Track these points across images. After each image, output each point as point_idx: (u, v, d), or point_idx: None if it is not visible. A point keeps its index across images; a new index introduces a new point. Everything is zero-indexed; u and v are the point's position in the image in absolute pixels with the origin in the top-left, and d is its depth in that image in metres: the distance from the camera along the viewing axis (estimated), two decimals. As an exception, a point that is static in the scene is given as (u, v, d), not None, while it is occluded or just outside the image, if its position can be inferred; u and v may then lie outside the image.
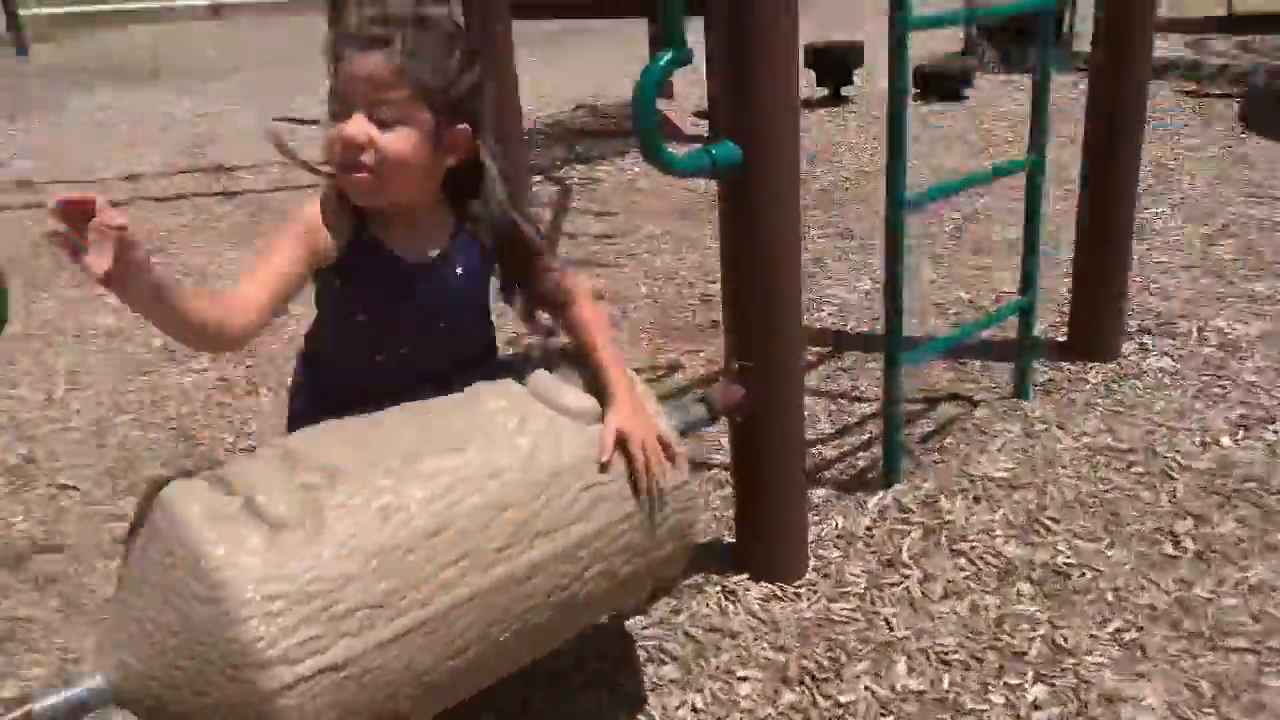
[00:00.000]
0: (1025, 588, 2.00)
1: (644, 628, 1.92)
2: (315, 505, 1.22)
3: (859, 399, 2.76)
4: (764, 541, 2.02)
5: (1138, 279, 3.28)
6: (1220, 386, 2.68)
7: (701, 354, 3.11)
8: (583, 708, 1.74)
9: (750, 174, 1.76)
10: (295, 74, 7.82)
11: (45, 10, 13.08)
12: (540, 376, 1.51)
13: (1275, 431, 2.47)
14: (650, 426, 1.49)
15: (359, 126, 1.34)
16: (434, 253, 1.48)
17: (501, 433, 1.39)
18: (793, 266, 1.86)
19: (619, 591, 1.49)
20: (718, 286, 3.32)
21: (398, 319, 1.47)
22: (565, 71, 8.04)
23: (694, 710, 1.74)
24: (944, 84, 6.29)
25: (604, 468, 1.41)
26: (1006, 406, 2.64)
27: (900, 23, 1.97)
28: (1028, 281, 2.55)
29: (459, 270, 1.50)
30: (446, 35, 1.40)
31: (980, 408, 2.64)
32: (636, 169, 5.17)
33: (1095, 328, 2.84)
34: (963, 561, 2.08)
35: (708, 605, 1.97)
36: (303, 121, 6.38)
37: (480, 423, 1.40)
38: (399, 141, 1.35)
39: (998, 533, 2.15)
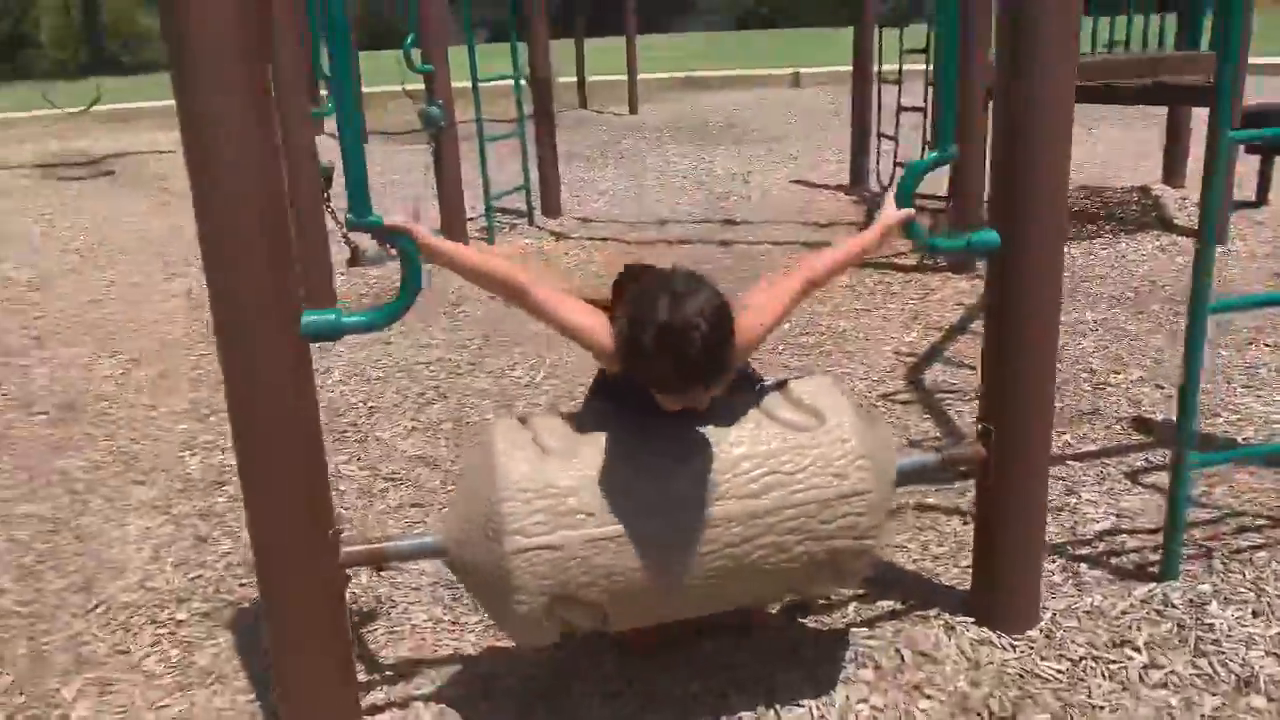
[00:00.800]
0: (1258, 701, 1.95)
1: (865, 637, 2.23)
2: (573, 446, 1.84)
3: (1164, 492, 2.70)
4: (991, 591, 2.21)
5: None
6: None
7: (1069, 434, 3.20)
8: (780, 680, 2.11)
9: (1010, 255, 2.02)
10: (834, 139, 8.68)
11: (654, 75, 15.81)
12: (770, 397, 1.97)
13: None
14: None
15: (694, 402, 1.78)
16: None
17: (721, 431, 1.88)
18: (1047, 342, 2.06)
19: (795, 568, 1.85)
20: (1118, 377, 3.39)
21: None
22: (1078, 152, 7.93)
23: (874, 709, 2.03)
24: None
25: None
26: (1357, 537, 2.41)
27: None
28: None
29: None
30: (727, 336, 1.71)
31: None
32: (1095, 256, 5.11)
33: None
34: (1203, 662, 2.06)
35: (926, 634, 2.22)
36: (815, 185, 7.20)
37: (712, 424, 1.90)
38: (718, 391, 1.80)
39: (1259, 647, 2.08)
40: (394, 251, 1.80)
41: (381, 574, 2.57)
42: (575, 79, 13.66)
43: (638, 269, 1.95)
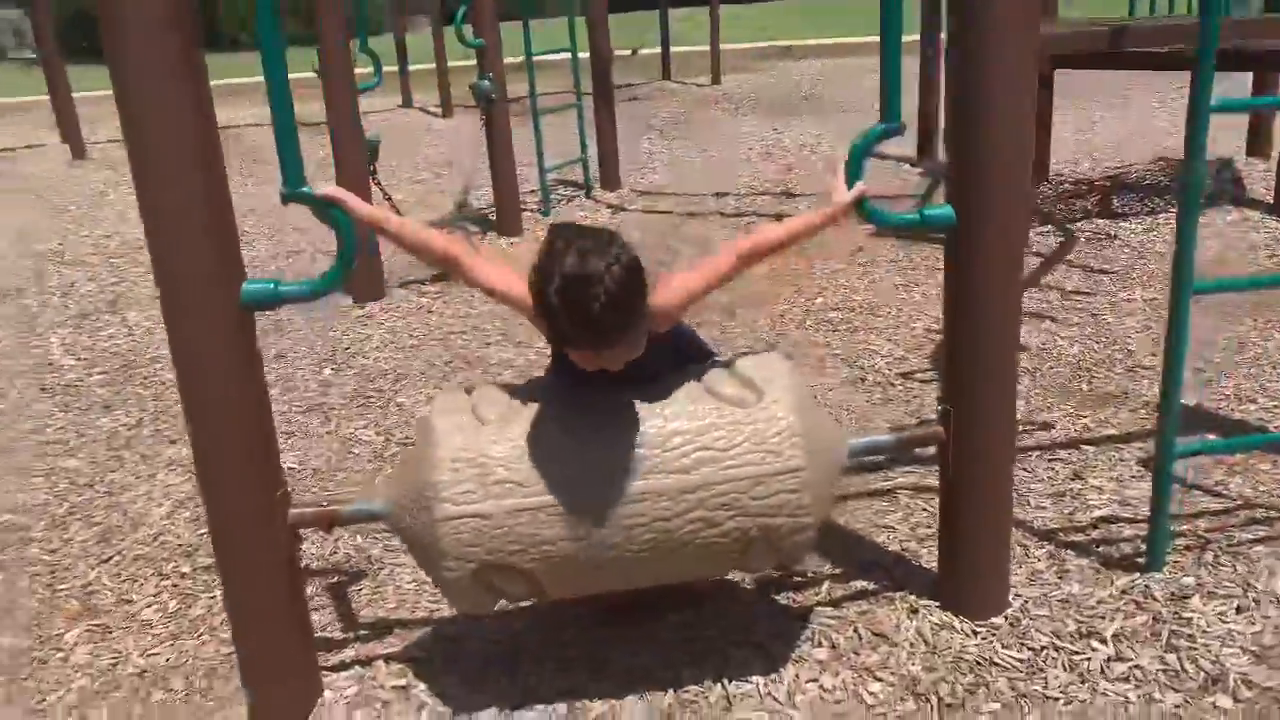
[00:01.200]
0: (1224, 701, 1.86)
1: (829, 616, 2.21)
2: (509, 417, 1.87)
3: (1190, 487, 2.57)
4: (955, 576, 2.16)
5: None
6: None
7: (1089, 418, 3.09)
8: (734, 655, 2.11)
9: (967, 233, 1.96)
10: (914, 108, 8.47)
11: (741, 45, 15.61)
12: (713, 372, 1.96)
13: None
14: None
15: (607, 361, 1.76)
16: None
17: (657, 405, 1.88)
18: (1007, 321, 1.99)
19: (726, 543, 1.85)
20: (1154, 360, 3.25)
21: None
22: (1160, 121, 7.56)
23: (821, 689, 2.01)
24: None
25: None
26: (1368, 534, 2.27)
27: None
28: None
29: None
30: (634, 293, 1.69)
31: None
32: (1158, 232, 4.88)
33: None
34: (1172, 658, 1.98)
35: (889, 615, 2.19)
36: (883, 156, 7.03)
37: (649, 397, 1.90)
38: (628, 350, 1.78)
39: (1235, 644, 1.98)
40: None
41: (352, 536, 2.66)
42: (659, 50, 13.60)
43: (567, 226, 1.94)
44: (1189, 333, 2.09)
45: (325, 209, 1.79)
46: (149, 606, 2.46)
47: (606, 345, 1.73)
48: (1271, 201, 5.11)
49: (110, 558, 2.68)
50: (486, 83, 5.35)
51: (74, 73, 9.65)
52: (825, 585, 2.33)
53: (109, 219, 6.73)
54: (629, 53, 12.80)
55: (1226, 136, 6.58)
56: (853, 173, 1.95)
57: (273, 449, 1.90)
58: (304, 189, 1.74)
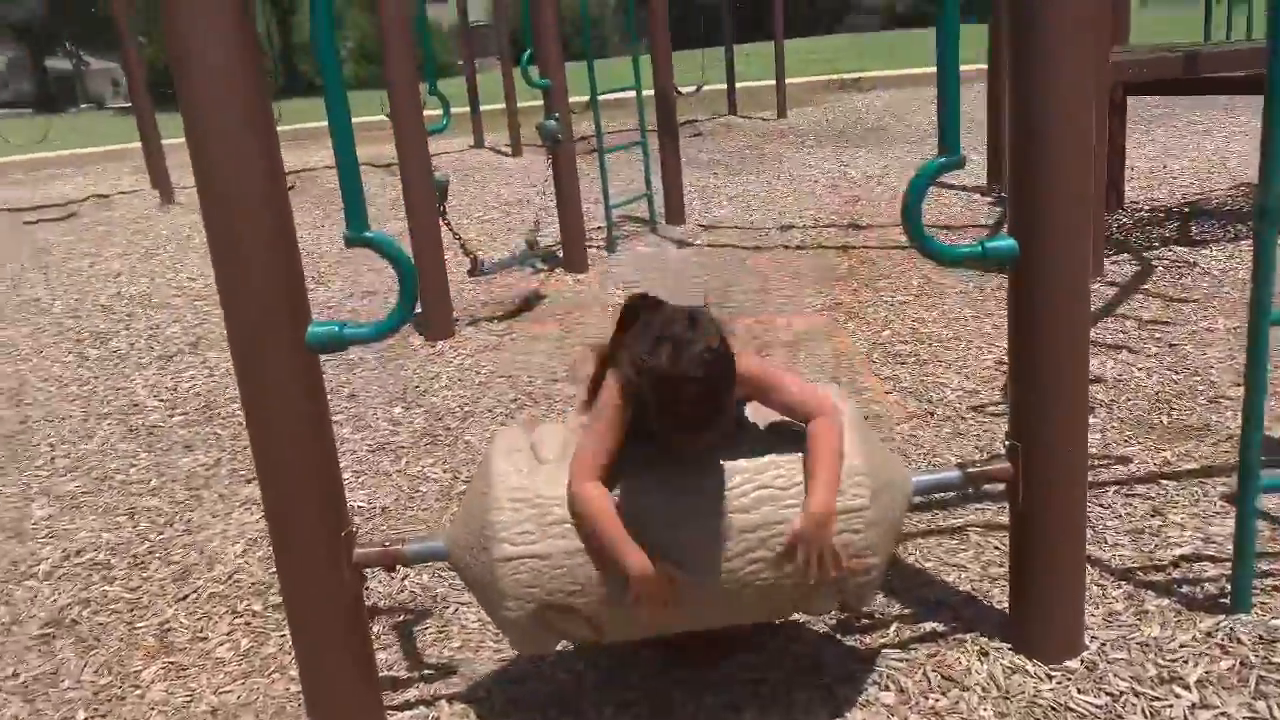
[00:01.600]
0: (1317, 755, 1.76)
1: (896, 658, 2.16)
2: (567, 456, 1.88)
3: (1277, 521, 2.46)
4: (1028, 617, 2.10)
5: None
6: None
7: (1169, 451, 2.98)
8: (799, 698, 2.07)
9: (1030, 264, 1.92)
10: (979, 138, 8.37)
11: (805, 79, 15.62)
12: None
13: None
14: (826, 538, 1.76)
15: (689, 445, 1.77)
16: None
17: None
18: (1077, 356, 1.94)
19: (790, 585, 1.83)
20: (1237, 391, 3.13)
21: None
22: (1240, 146, 7.33)
23: (889, 734, 1.97)
24: None
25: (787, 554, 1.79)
26: None
27: None
28: None
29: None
30: (727, 387, 1.72)
31: None
32: (1240, 259, 4.71)
33: None
34: (1261, 705, 1.88)
35: (959, 658, 2.13)
36: (951, 186, 6.95)
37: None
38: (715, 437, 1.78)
39: (1329, 694, 1.88)
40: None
41: (419, 574, 2.68)
42: (725, 85, 13.69)
43: (647, 302, 1.95)
44: (1268, 362, 2.01)
45: (385, 251, 1.83)
46: (222, 644, 2.52)
47: (701, 433, 1.74)
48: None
49: (187, 595, 2.75)
50: (553, 123, 5.44)
51: (164, 121, 10.08)
52: (894, 626, 2.28)
53: (194, 263, 6.98)
54: (694, 89, 12.90)
55: None
56: (913, 205, 1.93)
57: (338, 489, 1.93)
58: (367, 233, 1.79)
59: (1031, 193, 1.87)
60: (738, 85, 13.67)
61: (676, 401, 1.68)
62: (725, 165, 9.25)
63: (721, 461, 1.83)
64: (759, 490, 1.81)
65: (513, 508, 1.81)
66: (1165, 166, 7.10)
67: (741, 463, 1.83)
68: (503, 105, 11.39)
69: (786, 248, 6.03)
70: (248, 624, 2.59)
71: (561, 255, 5.79)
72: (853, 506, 1.80)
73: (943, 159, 1.90)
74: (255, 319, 1.77)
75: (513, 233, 6.98)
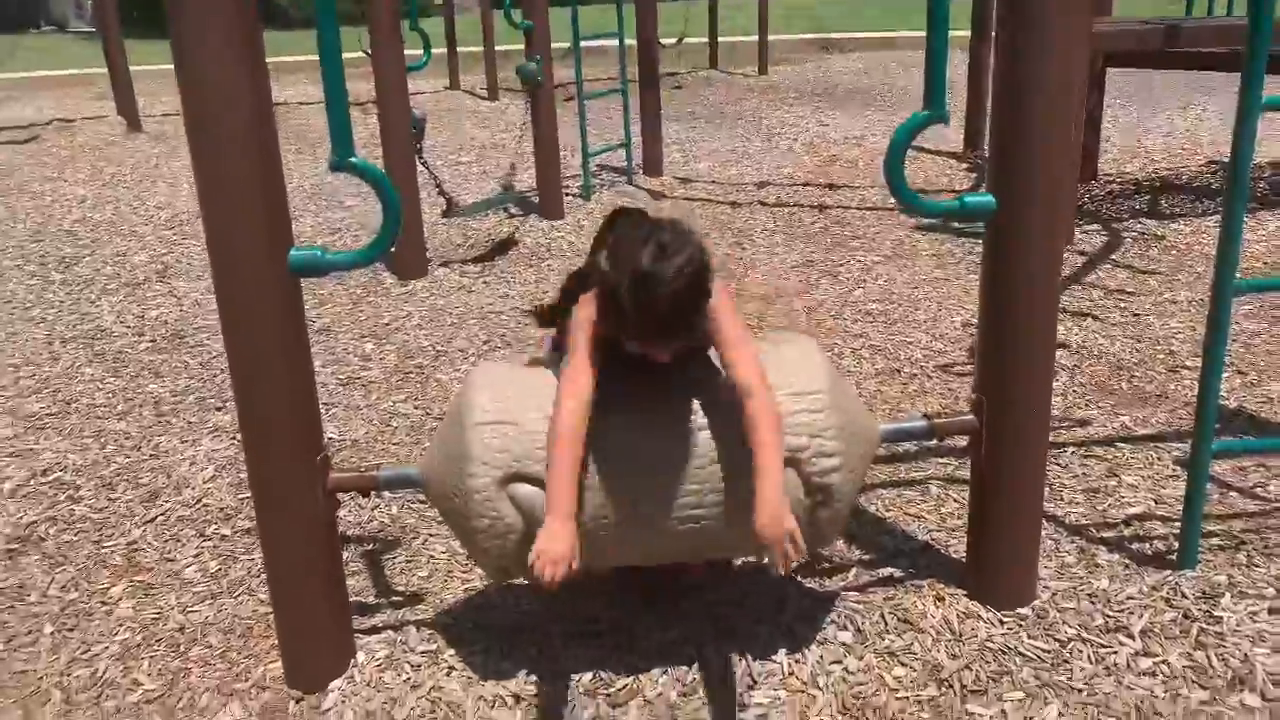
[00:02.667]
0: (1251, 699, 1.85)
1: (855, 601, 2.23)
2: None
3: (1228, 487, 2.55)
4: (984, 566, 2.17)
5: None
6: None
7: (1127, 416, 3.07)
8: (760, 633, 2.13)
9: (1007, 221, 1.95)
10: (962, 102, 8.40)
11: (789, 36, 15.52)
12: None
13: None
14: (781, 532, 1.68)
15: (661, 353, 1.80)
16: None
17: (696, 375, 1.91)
18: (1045, 314, 1.99)
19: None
20: (1196, 361, 3.22)
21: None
22: (1214, 122, 7.43)
23: (846, 671, 2.03)
24: None
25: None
26: None
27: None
28: None
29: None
30: (702, 295, 1.73)
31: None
32: (1207, 234, 4.81)
33: None
34: (1200, 655, 1.97)
35: (915, 602, 2.19)
36: (929, 150, 6.97)
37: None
38: (684, 346, 1.84)
39: (1266, 644, 1.97)
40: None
41: (388, 506, 2.71)
42: (707, 39, 13.57)
43: (633, 212, 1.97)
44: (1228, 332, 2.07)
45: (370, 177, 1.82)
46: (190, 566, 2.53)
47: (669, 341, 1.76)
48: (1326, 206, 5.02)
49: (154, 518, 2.76)
50: (533, 65, 5.38)
51: (131, 47, 9.83)
52: (853, 571, 2.35)
53: (161, 191, 6.86)
54: (675, 41, 12.77)
55: (1281, 139, 6.46)
56: (895, 158, 1.95)
57: (315, 414, 1.95)
58: (352, 158, 1.78)
59: (1012, 150, 1.90)
60: (720, 40, 13.55)
61: (654, 301, 1.67)
62: (704, 119, 9.20)
63: (681, 400, 1.86)
64: (722, 374, 1.85)
65: (490, 390, 1.87)
66: (1140, 141, 7.17)
67: (698, 402, 1.86)
68: (480, 48, 11.22)
69: (762, 204, 6.03)
70: (215, 547, 2.61)
71: (537, 201, 5.76)
72: (812, 389, 1.85)
73: (927, 113, 1.92)
74: (238, 240, 1.76)
75: (487, 176, 6.93)
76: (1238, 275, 2.05)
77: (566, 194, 5.96)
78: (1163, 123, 7.90)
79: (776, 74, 12.42)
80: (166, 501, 2.84)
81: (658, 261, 1.69)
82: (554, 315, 2.07)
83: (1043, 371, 2.03)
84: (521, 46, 5.54)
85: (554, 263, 4.92)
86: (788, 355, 1.96)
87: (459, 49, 11.87)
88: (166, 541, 2.64)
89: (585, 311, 1.83)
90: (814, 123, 8.76)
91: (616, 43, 6.44)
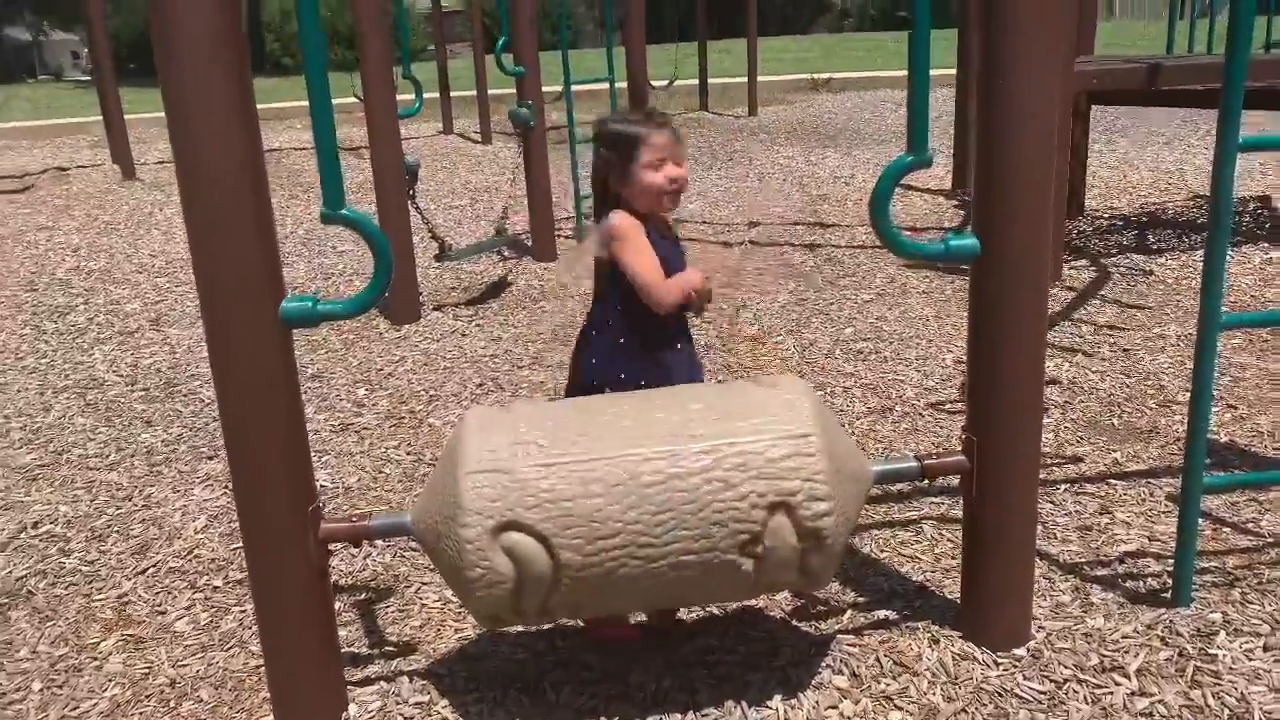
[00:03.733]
0: (1247, 742, 1.84)
1: (849, 644, 2.21)
2: (546, 412, 1.93)
3: (1222, 523, 2.55)
4: (978, 606, 2.16)
5: None
6: None
7: (1119, 452, 3.07)
8: (754, 679, 2.12)
9: (991, 263, 1.97)
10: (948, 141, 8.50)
11: (778, 77, 15.71)
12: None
13: None
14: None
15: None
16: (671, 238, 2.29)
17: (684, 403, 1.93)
18: (1032, 353, 2.00)
19: (745, 513, 1.82)
20: (1186, 396, 3.23)
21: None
22: (1199, 158, 7.51)
23: (842, 716, 2.00)
24: None
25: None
26: (1401, 575, 2.24)
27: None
28: None
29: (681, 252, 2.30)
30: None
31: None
32: (1194, 268, 4.84)
33: None
34: (1196, 694, 1.96)
35: (910, 644, 2.18)
36: (917, 189, 7.03)
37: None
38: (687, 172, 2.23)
39: (1262, 683, 1.96)
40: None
41: (381, 554, 2.70)
42: (697, 81, 13.73)
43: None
44: (1215, 367, 2.09)
45: (362, 229, 1.84)
46: (181, 618, 2.51)
47: (674, 133, 2.17)
48: (1311, 239, 5.07)
49: (145, 569, 2.74)
50: (525, 110, 5.44)
51: (126, 95, 9.92)
52: (848, 613, 2.34)
53: (155, 239, 6.90)
54: (666, 83, 12.93)
55: (1268, 174, 6.54)
56: (881, 200, 1.98)
57: (306, 464, 1.94)
58: (344, 210, 1.80)
59: (995, 192, 1.92)
60: (710, 81, 13.72)
61: (644, 114, 2.19)
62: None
63: (673, 446, 1.86)
64: (718, 420, 1.86)
65: (483, 437, 1.86)
66: (1126, 176, 7.25)
67: (702, 393, 1.88)
68: (473, 91, 11.34)
69: (755, 244, 6.08)
70: (207, 599, 2.59)
71: (530, 243, 5.80)
72: (803, 432, 1.85)
73: (911, 157, 1.94)
74: (230, 290, 1.77)
75: (481, 219, 6.98)
76: (1225, 310, 2.07)
77: (560, 236, 6.00)
78: (1150, 157, 8.00)
79: (766, 115, 12.57)
80: (158, 553, 2.82)
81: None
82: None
83: (1032, 411, 2.04)
84: (514, 91, 5.60)
85: (547, 305, 4.94)
86: (778, 398, 1.97)
87: (452, 94, 12.01)
88: (158, 594, 2.63)
89: (624, 222, 2.15)
90: (803, 162, 8.86)
91: (608, 85, 6.52)
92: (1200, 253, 5.05)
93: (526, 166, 5.61)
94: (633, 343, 2.21)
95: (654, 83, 13.21)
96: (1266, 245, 5.16)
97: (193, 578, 2.69)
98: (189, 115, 1.70)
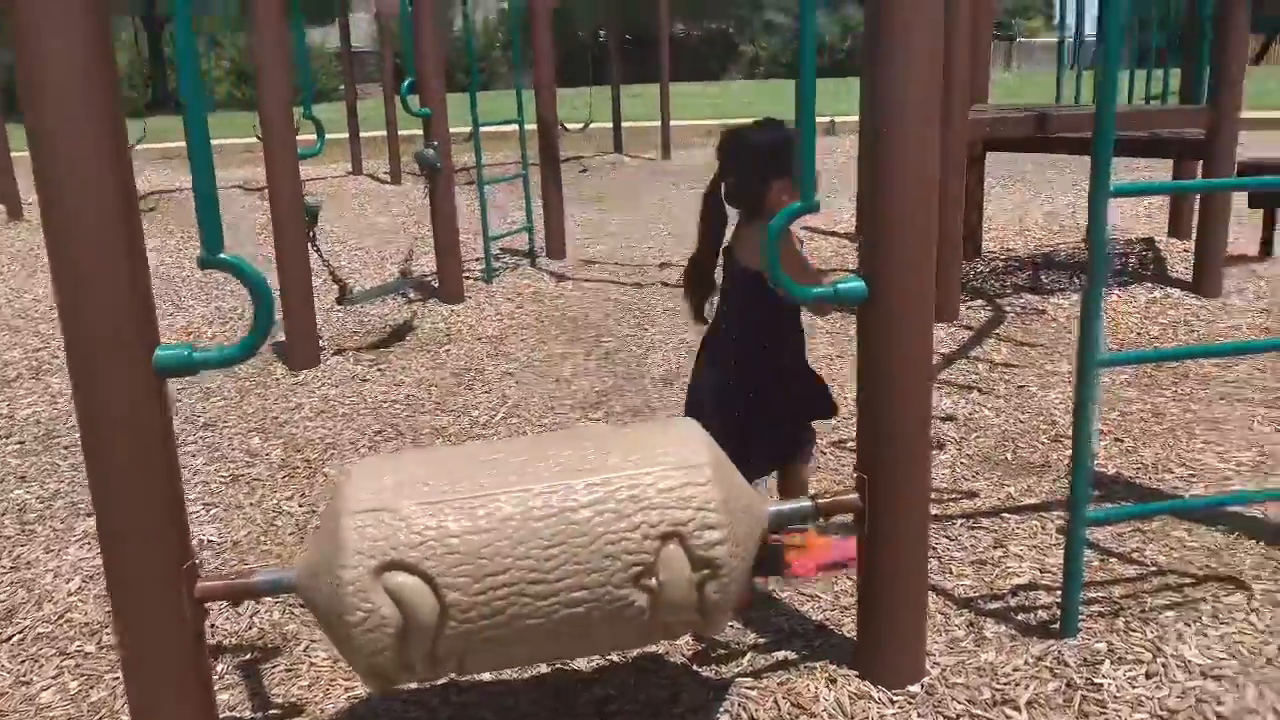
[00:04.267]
0: (1133, 773, 1.87)
1: (748, 687, 2.20)
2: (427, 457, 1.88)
3: (1109, 554, 2.63)
4: (873, 647, 2.16)
5: None
6: None
7: (1012, 487, 3.14)
8: (652, 726, 2.10)
9: (876, 306, 2.00)
10: (844, 188, 8.70)
11: (692, 121, 15.97)
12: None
13: None
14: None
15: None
16: None
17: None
18: (919, 393, 2.03)
19: (637, 544, 1.79)
20: (1067, 432, 3.33)
21: None
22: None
23: (741, 762, 2.00)
24: None
25: None
26: (1271, 601, 2.32)
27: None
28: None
29: None
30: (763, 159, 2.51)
31: (1238, 595, 2.37)
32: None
33: None
34: (1082, 727, 1.99)
35: (808, 685, 2.17)
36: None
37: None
38: None
39: (1145, 709, 2.00)
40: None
41: (269, 610, 2.59)
42: (611, 124, 13.86)
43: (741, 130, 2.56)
44: (1094, 404, 2.15)
45: (241, 273, 1.78)
46: (48, 689, 2.36)
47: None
48: (1190, 280, 5.30)
49: (10, 637, 2.58)
50: (431, 151, 5.40)
51: (13, 131, 9.55)
52: (748, 656, 2.32)
53: (41, 282, 6.62)
54: (581, 126, 13.02)
55: (1153, 217, 6.86)
56: (771, 250, 2.00)
57: (181, 519, 1.86)
58: (222, 255, 1.74)
59: (880, 238, 1.96)
60: (624, 125, 13.86)
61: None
62: (610, 201, 9.36)
63: (565, 480, 1.83)
64: (610, 454, 1.84)
65: (367, 482, 1.80)
66: (1021, 220, 7.51)
67: (585, 480, 1.84)
68: (384, 132, 11.25)
69: (665, 285, 6.11)
70: (78, 666, 2.44)
71: (437, 285, 5.73)
72: (696, 462, 1.84)
73: (799, 204, 1.97)
74: (98, 338, 1.69)
75: (387, 261, 6.88)
76: (1109, 349, 2.13)
77: (468, 277, 5.95)
78: (1044, 201, 8.31)
79: (679, 157, 12.73)
80: (24, 618, 2.66)
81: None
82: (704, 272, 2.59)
83: (920, 449, 2.07)
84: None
85: (452, 348, 4.87)
86: (671, 434, 1.96)
87: (362, 134, 11.88)
88: (22, 663, 2.47)
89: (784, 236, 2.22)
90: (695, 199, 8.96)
91: (517, 127, 6.53)
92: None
93: (433, 208, 5.56)
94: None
95: (568, 125, 13.29)
96: (1150, 284, 5.38)
97: (63, 644, 2.54)
98: (53, 153, 1.63)
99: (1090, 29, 7.56)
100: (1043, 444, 3.46)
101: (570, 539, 1.79)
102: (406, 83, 5.57)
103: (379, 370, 4.56)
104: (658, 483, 1.83)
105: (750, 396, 2.50)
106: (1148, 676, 2.11)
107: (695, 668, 2.29)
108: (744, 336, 2.53)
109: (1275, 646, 2.17)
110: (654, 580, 1.83)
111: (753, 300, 2.44)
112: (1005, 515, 2.94)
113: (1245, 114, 5.17)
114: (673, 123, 13.38)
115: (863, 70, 1.96)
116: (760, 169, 2.40)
